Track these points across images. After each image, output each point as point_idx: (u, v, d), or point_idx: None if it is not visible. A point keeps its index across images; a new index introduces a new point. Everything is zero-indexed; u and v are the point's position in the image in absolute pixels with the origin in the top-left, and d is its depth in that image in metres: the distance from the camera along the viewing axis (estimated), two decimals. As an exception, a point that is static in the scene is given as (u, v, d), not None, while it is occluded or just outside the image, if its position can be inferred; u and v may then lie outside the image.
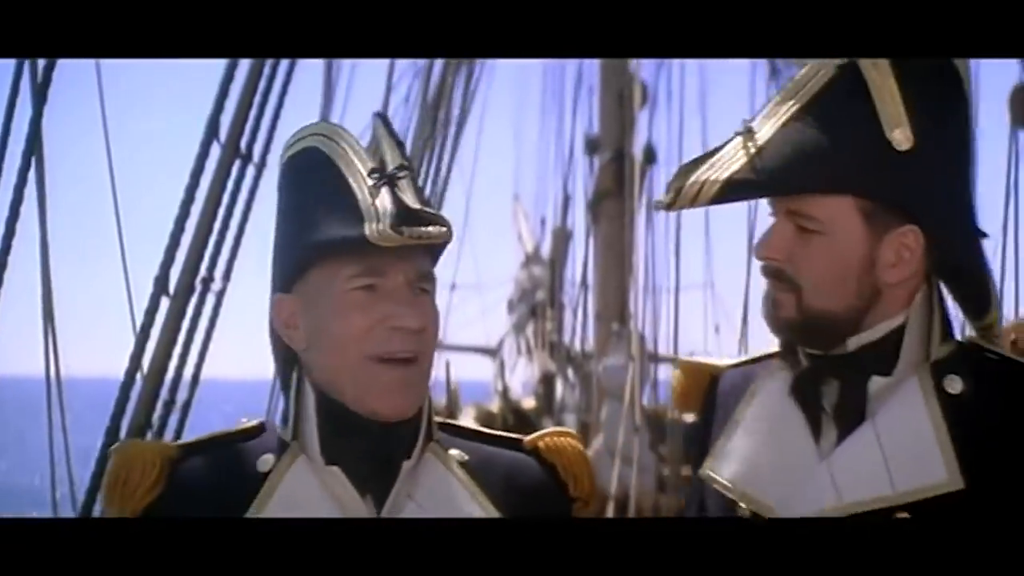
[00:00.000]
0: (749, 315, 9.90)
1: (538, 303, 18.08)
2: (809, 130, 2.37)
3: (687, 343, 14.33)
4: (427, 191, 9.36)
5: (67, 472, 5.41)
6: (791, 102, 2.41)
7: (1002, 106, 6.85)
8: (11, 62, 5.19)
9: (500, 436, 2.50)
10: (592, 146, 15.16)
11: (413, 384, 2.34)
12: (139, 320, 5.81)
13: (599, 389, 13.02)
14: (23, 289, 5.40)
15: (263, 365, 2.46)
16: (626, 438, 9.47)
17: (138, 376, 5.81)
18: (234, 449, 2.42)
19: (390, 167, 2.34)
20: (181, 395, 6.05)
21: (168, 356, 5.93)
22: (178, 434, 6.03)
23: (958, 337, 2.48)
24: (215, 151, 6.06)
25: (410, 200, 2.30)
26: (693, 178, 2.41)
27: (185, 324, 5.99)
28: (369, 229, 2.25)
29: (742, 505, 2.45)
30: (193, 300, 6.03)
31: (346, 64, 9.76)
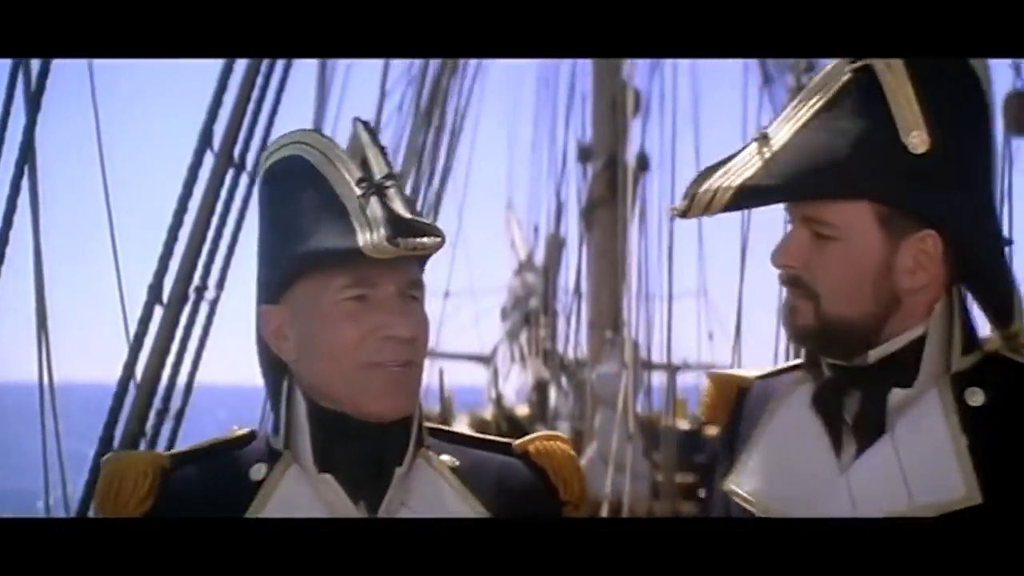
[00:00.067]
0: (743, 322, 9.95)
1: (532, 310, 18.09)
2: (824, 135, 2.34)
3: (680, 351, 14.38)
4: (420, 199, 9.37)
5: (60, 477, 5.41)
6: (806, 107, 2.39)
7: (995, 113, 6.87)
8: (5, 68, 5.20)
9: (490, 441, 2.51)
10: (585, 154, 15.17)
11: (406, 385, 2.34)
12: (133, 329, 5.82)
13: (593, 396, 13.03)
14: (17, 297, 5.41)
15: (256, 371, 2.46)
16: (620, 445, 9.48)
17: (131, 385, 5.81)
18: (226, 458, 2.42)
19: (377, 176, 2.33)
20: (175, 403, 6.05)
21: (162, 365, 5.93)
22: (172, 442, 6.03)
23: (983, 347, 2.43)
24: (208, 160, 6.07)
25: (400, 209, 2.30)
26: (707, 185, 2.39)
27: (179, 333, 6.00)
28: (364, 241, 2.25)
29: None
30: (187, 309, 6.04)
31: (339, 73, 9.79)
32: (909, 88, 2.31)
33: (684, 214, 2.42)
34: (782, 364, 2.62)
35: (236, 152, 6.15)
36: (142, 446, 5.84)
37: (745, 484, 2.48)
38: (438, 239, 2.30)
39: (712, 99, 15.92)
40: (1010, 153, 6.55)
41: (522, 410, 16.78)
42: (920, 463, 2.31)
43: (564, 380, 16.06)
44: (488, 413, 16.91)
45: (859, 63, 2.36)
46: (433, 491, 2.37)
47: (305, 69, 7.71)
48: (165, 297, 5.92)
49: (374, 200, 2.30)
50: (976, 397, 2.34)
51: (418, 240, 2.28)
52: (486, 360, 19.32)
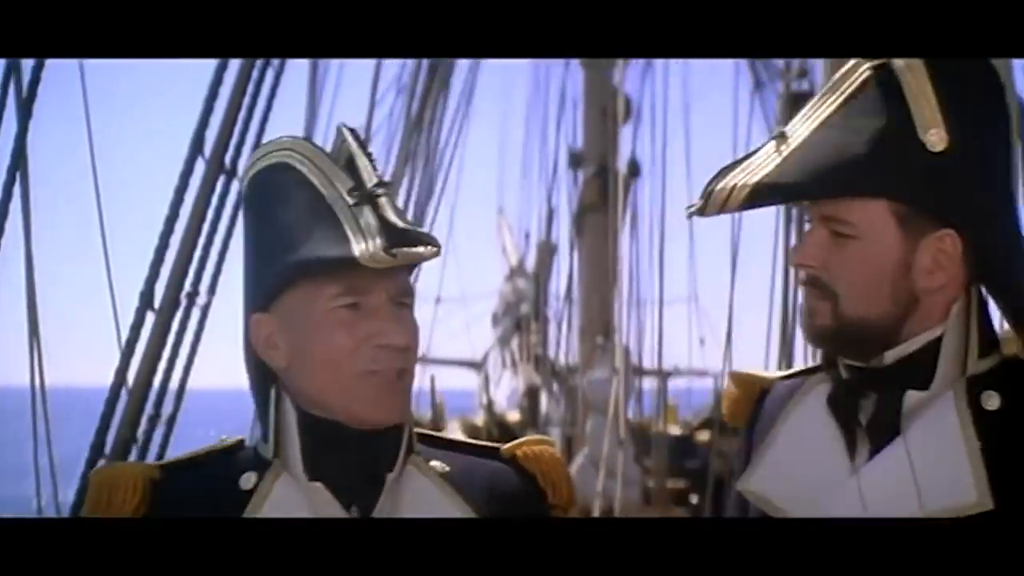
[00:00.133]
0: (733, 328, 9.97)
1: (523, 316, 18.13)
2: (842, 133, 2.33)
3: (672, 356, 14.42)
4: (412, 205, 9.39)
5: (51, 481, 5.42)
6: (825, 106, 2.37)
7: (1017, 113, 6.85)
8: (-3, 72, 5.22)
9: (478, 446, 2.52)
10: (576, 160, 15.22)
11: (399, 393, 2.33)
12: (124, 334, 5.83)
13: (584, 402, 13.07)
14: (9, 303, 5.42)
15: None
16: (611, 451, 9.49)
17: (123, 390, 5.83)
18: (215, 468, 2.41)
19: (368, 184, 2.32)
20: (166, 409, 6.06)
21: (153, 371, 5.94)
22: (163, 448, 6.04)
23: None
24: (200, 167, 6.09)
25: (394, 218, 2.29)
26: (723, 183, 2.37)
27: (170, 339, 6.01)
28: (360, 250, 2.24)
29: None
30: (178, 315, 6.05)
31: (330, 81, 9.81)
32: (928, 87, 2.30)
33: (701, 212, 2.40)
34: (801, 367, 2.61)
35: (227, 159, 6.17)
36: (134, 452, 5.85)
37: (759, 484, 2.47)
38: (435, 249, 2.29)
39: (703, 105, 15.97)
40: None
41: (513, 416, 16.81)
42: (932, 466, 2.29)
43: (555, 386, 16.09)
44: (479, 419, 16.95)
45: (878, 62, 2.34)
46: (424, 497, 2.37)
47: (296, 76, 7.74)
48: (157, 303, 5.93)
49: (367, 209, 2.29)
50: (992, 401, 2.32)
51: (415, 250, 2.27)
52: (477, 366, 19.35)
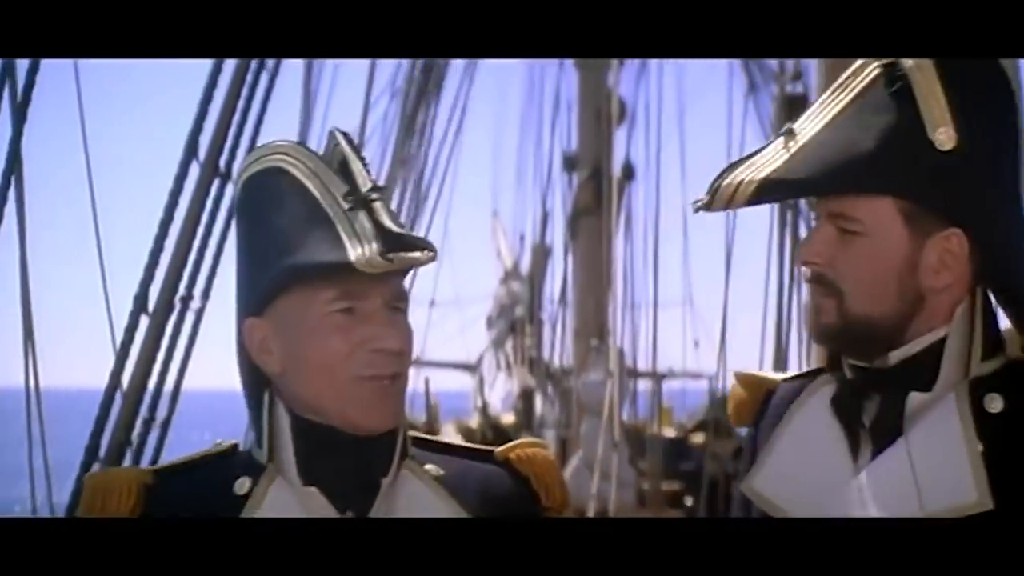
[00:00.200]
0: (728, 330, 9.99)
1: (517, 319, 18.13)
2: (850, 131, 2.32)
3: (666, 359, 14.44)
4: (406, 208, 9.40)
5: (46, 483, 5.43)
6: (833, 103, 2.37)
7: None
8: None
9: (472, 449, 2.52)
10: (571, 163, 15.22)
11: (394, 398, 2.34)
12: (119, 338, 5.84)
13: (578, 405, 13.07)
14: (3, 305, 5.43)
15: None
16: (605, 453, 9.49)
17: (118, 394, 5.84)
18: (209, 473, 2.41)
19: (362, 188, 2.32)
20: (161, 413, 6.07)
21: (147, 374, 5.95)
22: (158, 452, 6.05)
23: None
24: (194, 170, 6.10)
25: (389, 223, 2.29)
26: (730, 178, 2.35)
27: (165, 342, 6.02)
28: (356, 255, 2.24)
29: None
30: (172, 318, 6.06)
31: (324, 84, 9.81)
32: (937, 86, 2.29)
33: (707, 208, 2.39)
34: (799, 369, 2.60)
35: (222, 162, 6.18)
36: (128, 455, 5.86)
37: (762, 484, 2.47)
38: (431, 253, 2.29)
39: (698, 108, 16.00)
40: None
41: (508, 418, 16.81)
42: (934, 468, 2.28)
43: (550, 388, 16.09)
44: (474, 421, 16.95)
45: (887, 61, 2.34)
46: (419, 501, 2.37)
47: (290, 80, 7.74)
48: (151, 307, 5.94)
49: (362, 214, 2.29)
50: (995, 403, 2.31)
51: (411, 255, 2.27)
52: (472, 368, 19.36)
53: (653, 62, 13.60)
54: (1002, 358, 2.37)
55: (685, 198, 14.01)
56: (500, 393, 18.21)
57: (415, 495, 2.37)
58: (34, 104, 5.28)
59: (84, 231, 5.78)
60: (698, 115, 16.12)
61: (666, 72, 13.97)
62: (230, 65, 6.30)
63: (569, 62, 15.27)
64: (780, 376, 2.63)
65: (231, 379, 2.45)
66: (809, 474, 2.41)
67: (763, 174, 2.33)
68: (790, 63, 9.60)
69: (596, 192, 13.68)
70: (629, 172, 14.07)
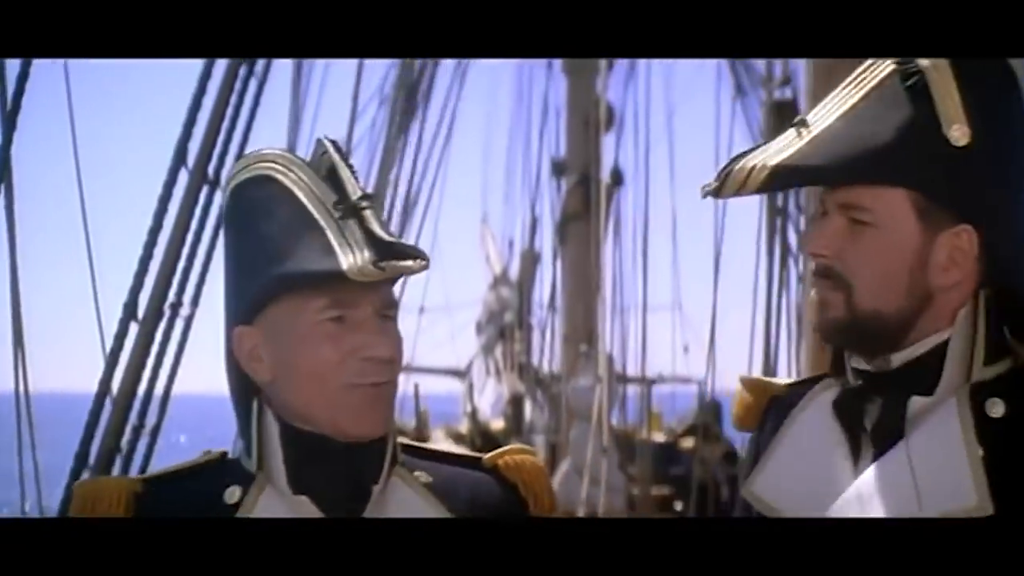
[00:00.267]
0: (717, 334, 10.00)
1: (507, 325, 18.13)
2: (865, 124, 2.31)
3: (655, 364, 14.44)
4: (396, 215, 9.41)
5: (36, 486, 5.43)
6: (846, 97, 2.36)
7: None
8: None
9: (461, 456, 2.52)
10: (559, 169, 15.24)
11: (383, 404, 2.34)
12: (109, 344, 5.85)
13: (568, 410, 13.07)
14: (-6, 312, 5.44)
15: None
16: (595, 458, 9.51)
17: (107, 400, 5.84)
18: (199, 481, 2.41)
19: (352, 196, 2.32)
20: (150, 420, 6.07)
21: (137, 381, 5.96)
22: (147, 458, 6.05)
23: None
24: (183, 177, 6.11)
25: (380, 231, 2.29)
26: (742, 163, 2.34)
27: (154, 349, 6.03)
28: (348, 264, 2.24)
29: None
30: (162, 325, 6.07)
31: (313, 91, 9.82)
32: (952, 84, 2.30)
33: (716, 194, 2.37)
34: (795, 373, 2.60)
35: (210, 169, 6.19)
36: (118, 462, 5.86)
37: (763, 488, 2.47)
38: (423, 262, 2.29)
39: (685, 112, 16.01)
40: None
41: (497, 424, 16.82)
42: (934, 472, 2.28)
43: (539, 394, 16.10)
44: (463, 427, 16.95)
45: (902, 59, 2.33)
46: (409, 508, 2.37)
47: (278, 87, 7.75)
48: (140, 314, 5.95)
49: (352, 222, 2.30)
50: (997, 408, 2.30)
51: (403, 263, 2.27)
52: (461, 374, 19.34)
53: (641, 66, 13.63)
54: (1006, 363, 2.36)
55: (674, 203, 14.08)
56: (490, 399, 18.21)
57: (405, 502, 2.37)
58: (24, 106, 5.29)
59: (75, 236, 5.78)
60: (686, 119, 16.15)
61: (654, 77, 14.01)
62: (218, 72, 6.32)
63: (557, 68, 15.30)
64: (785, 382, 2.63)
65: (219, 383, 2.45)
66: (810, 478, 2.41)
67: (777, 160, 2.32)
68: (778, 69, 9.61)
69: (584, 198, 13.69)
70: (617, 177, 14.08)
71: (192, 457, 2.48)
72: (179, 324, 6.18)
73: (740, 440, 10.05)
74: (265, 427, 2.36)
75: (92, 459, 5.74)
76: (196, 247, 6.18)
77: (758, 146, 2.39)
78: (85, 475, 5.68)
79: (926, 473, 2.28)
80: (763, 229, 9.01)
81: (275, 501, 2.34)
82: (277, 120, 8.78)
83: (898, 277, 2.32)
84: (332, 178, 2.35)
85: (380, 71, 10.60)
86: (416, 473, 2.42)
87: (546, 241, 16.17)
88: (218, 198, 6.11)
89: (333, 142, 2.40)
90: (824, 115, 2.36)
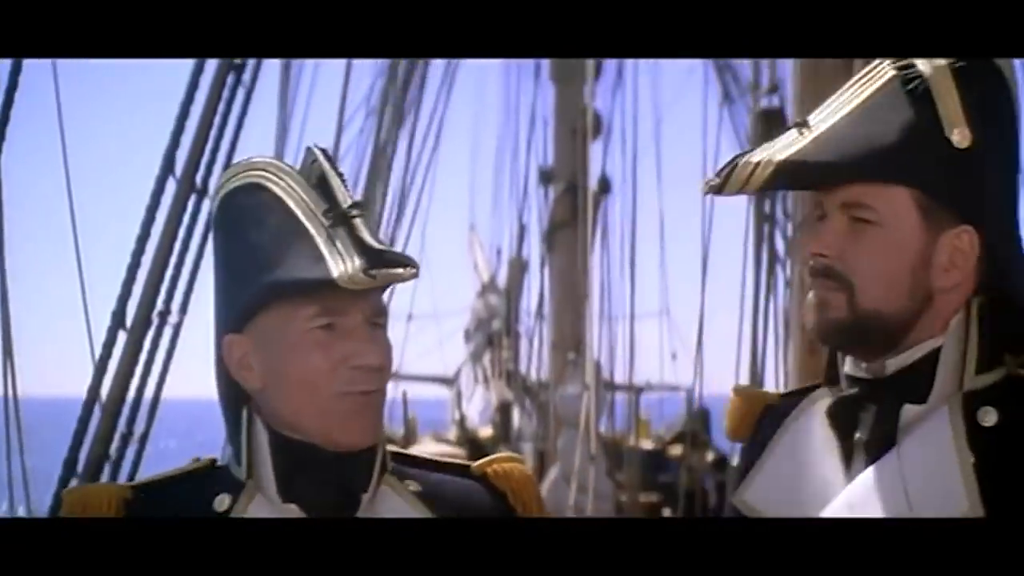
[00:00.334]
0: (705, 341, 10.02)
1: (494, 332, 18.15)
2: (867, 125, 2.31)
3: (643, 371, 14.45)
4: (384, 222, 9.42)
5: (24, 491, 5.43)
6: (848, 99, 2.36)
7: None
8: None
9: (450, 464, 2.52)
10: (547, 177, 15.25)
11: (373, 413, 2.34)
12: (98, 352, 5.85)
13: (555, 417, 13.07)
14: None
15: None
16: (583, 466, 9.52)
17: (96, 407, 5.84)
18: (188, 489, 2.41)
19: (342, 204, 2.33)
20: (138, 427, 6.08)
21: (125, 389, 5.96)
22: (136, 465, 6.05)
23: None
24: (171, 186, 6.11)
25: (370, 239, 2.29)
26: (746, 159, 2.33)
27: (142, 357, 6.03)
28: (338, 272, 2.24)
29: None
30: (150, 333, 6.07)
31: (301, 99, 9.83)
32: (952, 87, 2.30)
33: (719, 190, 2.35)
34: (783, 381, 2.60)
35: (198, 178, 6.19)
36: (106, 469, 5.86)
37: (754, 496, 2.47)
38: (413, 270, 2.29)
39: (672, 120, 16.02)
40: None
41: (485, 431, 16.82)
42: (924, 481, 2.27)
43: (527, 401, 16.10)
44: (451, 435, 16.96)
45: (903, 62, 2.34)
46: (398, 516, 2.39)
47: (266, 95, 7.76)
48: (128, 322, 5.95)
49: (342, 230, 2.30)
50: (989, 417, 2.29)
51: (394, 271, 2.27)
52: (449, 382, 19.36)
53: (628, 75, 13.64)
54: (999, 372, 2.34)
55: (661, 211, 14.11)
56: (478, 406, 18.22)
57: (395, 511, 2.38)
58: (14, 110, 5.30)
59: (64, 243, 5.79)
60: (673, 128, 16.16)
61: (641, 85, 14.01)
62: (206, 80, 6.33)
63: (545, 76, 15.32)
64: (779, 392, 2.63)
65: (208, 388, 2.45)
66: (801, 486, 2.40)
67: (783, 156, 2.31)
68: (765, 76, 9.62)
69: (572, 206, 13.71)
70: (605, 185, 14.09)
71: (181, 463, 2.48)
72: (167, 332, 6.18)
73: (729, 447, 10.06)
74: (255, 435, 2.36)
75: (80, 467, 5.74)
76: (184, 255, 6.18)
77: (759, 146, 2.38)
78: (74, 483, 5.68)
79: (918, 481, 2.28)
80: (751, 235, 9.02)
81: (265, 509, 2.34)
82: (265, 128, 8.79)
83: (900, 276, 2.31)
84: (322, 186, 2.35)
85: (367, 79, 10.62)
86: (406, 481, 2.42)
87: (534, 249, 16.20)
88: (206, 206, 6.12)
89: (323, 150, 2.41)
90: (825, 116, 2.36)
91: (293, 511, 2.33)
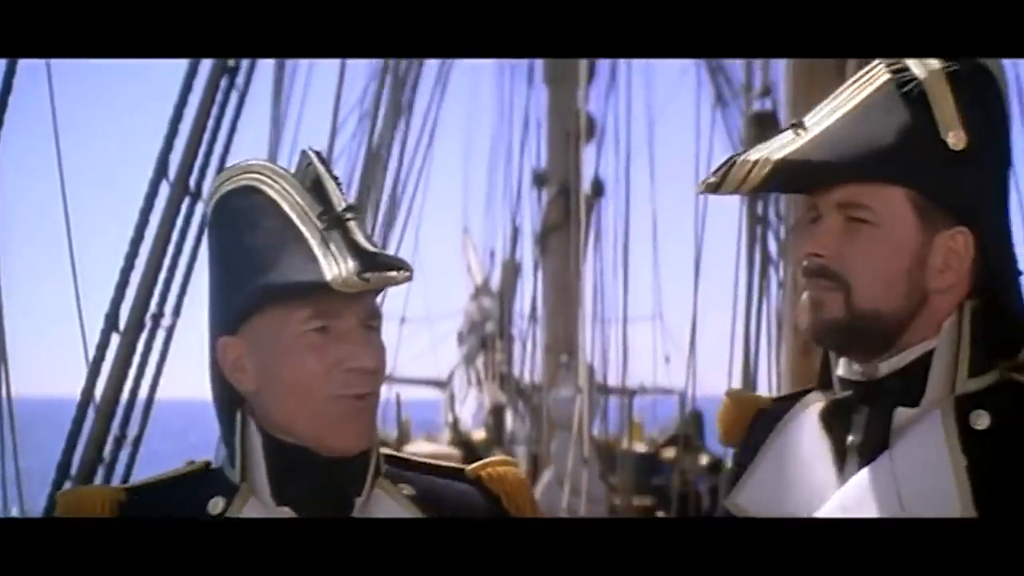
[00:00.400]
0: (697, 345, 10.02)
1: (488, 335, 18.14)
2: (862, 126, 2.32)
3: (636, 374, 14.47)
4: (378, 225, 9.41)
5: (17, 490, 5.43)
6: (843, 101, 2.36)
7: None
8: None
9: (444, 467, 2.53)
10: (540, 180, 15.25)
11: (366, 417, 2.34)
12: (91, 354, 5.85)
13: (549, 420, 13.06)
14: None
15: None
16: (576, 469, 9.50)
17: (90, 410, 5.84)
18: (182, 491, 2.41)
19: (337, 208, 2.33)
20: (132, 430, 6.07)
21: (119, 392, 5.96)
22: (129, 468, 6.05)
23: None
24: (164, 189, 6.12)
25: (364, 242, 2.30)
26: (743, 157, 2.33)
27: (136, 360, 6.03)
28: (332, 275, 2.24)
29: None
30: (143, 336, 6.07)
31: (294, 103, 9.83)
32: (948, 89, 2.31)
33: (715, 190, 2.35)
34: (776, 384, 2.60)
35: (192, 181, 6.20)
36: (100, 472, 5.86)
37: (746, 500, 2.47)
38: (407, 273, 2.29)
39: (666, 123, 16.03)
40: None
41: (478, 434, 16.82)
42: (916, 485, 2.27)
43: (520, 404, 16.08)
44: (444, 437, 16.95)
45: (898, 64, 2.35)
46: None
47: (260, 99, 7.76)
48: (122, 324, 5.95)
49: (336, 233, 2.30)
50: (982, 420, 2.29)
51: (388, 274, 2.27)
52: (442, 384, 19.35)
53: (622, 77, 13.66)
54: (992, 375, 2.34)
55: (654, 213, 14.12)
56: (471, 409, 18.21)
57: (388, 514, 2.38)
58: (8, 113, 5.30)
59: (58, 246, 5.79)
60: (666, 131, 16.16)
61: (634, 88, 14.02)
62: (199, 83, 6.33)
63: (539, 79, 15.31)
64: (771, 396, 2.63)
65: (202, 389, 2.45)
66: (793, 490, 2.40)
67: (779, 155, 2.31)
68: (758, 79, 9.62)
69: (565, 208, 13.69)
70: (598, 188, 14.10)
71: (175, 466, 2.48)
72: (160, 335, 6.18)
73: (722, 450, 10.07)
74: (248, 438, 2.36)
75: (74, 469, 5.74)
76: (177, 258, 6.18)
77: (748, 150, 2.38)
78: (67, 486, 5.68)
79: (910, 484, 2.28)
80: (743, 237, 9.02)
81: (258, 512, 2.34)
82: (258, 131, 8.79)
83: (897, 276, 2.31)
84: (317, 189, 2.35)
85: (361, 81, 10.62)
86: (399, 485, 2.42)
87: (527, 252, 16.18)
88: (199, 209, 6.12)
89: (317, 153, 2.41)
90: (821, 118, 2.36)
91: (287, 514, 2.33)
